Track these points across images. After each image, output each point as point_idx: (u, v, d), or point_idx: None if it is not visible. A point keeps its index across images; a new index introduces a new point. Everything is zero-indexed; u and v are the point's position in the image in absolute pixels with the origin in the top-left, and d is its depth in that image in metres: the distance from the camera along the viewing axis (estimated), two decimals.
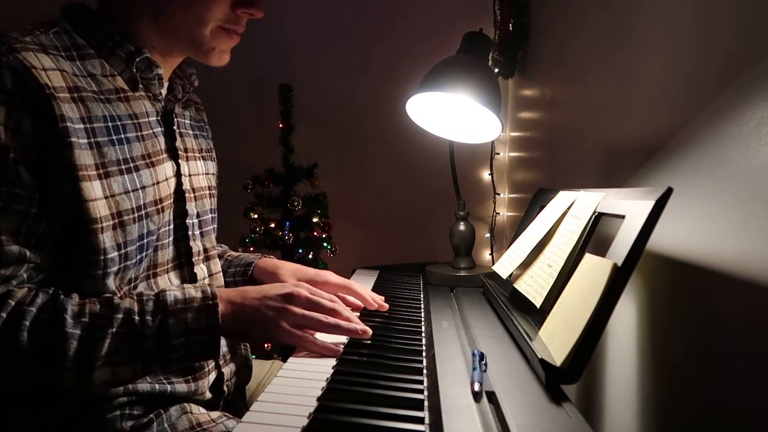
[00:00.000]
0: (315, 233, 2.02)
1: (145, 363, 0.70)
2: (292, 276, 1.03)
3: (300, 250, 1.99)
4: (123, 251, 0.74)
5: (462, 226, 1.27)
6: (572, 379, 0.57)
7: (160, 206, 0.80)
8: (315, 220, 2.02)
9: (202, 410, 0.82)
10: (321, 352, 0.79)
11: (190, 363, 0.81)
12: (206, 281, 0.91)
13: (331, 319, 0.80)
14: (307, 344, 0.79)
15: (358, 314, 0.96)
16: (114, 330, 0.68)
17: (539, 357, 0.61)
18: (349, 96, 2.20)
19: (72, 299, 0.69)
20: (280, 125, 2.01)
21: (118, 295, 0.75)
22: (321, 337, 0.82)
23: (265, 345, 1.91)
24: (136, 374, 0.70)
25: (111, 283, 0.74)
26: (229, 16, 0.82)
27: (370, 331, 0.82)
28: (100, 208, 0.71)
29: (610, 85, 1.00)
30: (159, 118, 0.85)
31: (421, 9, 2.13)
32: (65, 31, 0.76)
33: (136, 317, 0.70)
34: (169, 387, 0.78)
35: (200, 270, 0.90)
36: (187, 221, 0.87)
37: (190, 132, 0.94)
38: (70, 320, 0.66)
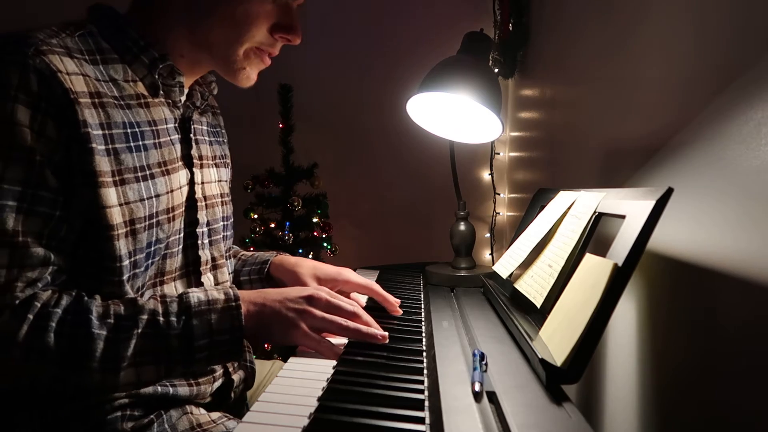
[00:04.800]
0: (315, 233, 2.02)
1: (169, 363, 0.70)
2: (311, 274, 1.01)
3: (300, 250, 1.99)
4: (133, 259, 0.74)
5: (462, 226, 1.27)
6: (572, 379, 0.57)
7: (171, 215, 0.80)
8: (315, 220, 2.02)
9: (203, 411, 0.82)
10: (336, 359, 0.78)
11: (213, 364, 0.82)
12: None
13: (350, 323, 0.79)
14: (323, 349, 0.78)
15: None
16: (139, 331, 0.68)
17: (540, 357, 0.61)
18: (349, 96, 2.20)
19: (96, 300, 0.70)
20: (280, 125, 2.01)
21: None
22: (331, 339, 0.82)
23: (266, 345, 1.91)
24: (160, 375, 0.70)
25: (128, 289, 0.74)
26: (266, 38, 0.83)
27: (387, 336, 0.81)
28: (116, 215, 0.71)
29: (611, 84, 1.00)
30: (177, 125, 0.85)
31: (422, 9, 2.13)
32: (91, 33, 0.76)
33: (161, 318, 0.70)
34: (171, 390, 0.78)
35: (207, 279, 0.89)
36: (197, 230, 0.87)
37: (206, 138, 0.94)
38: (96, 321, 0.67)
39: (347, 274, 1.02)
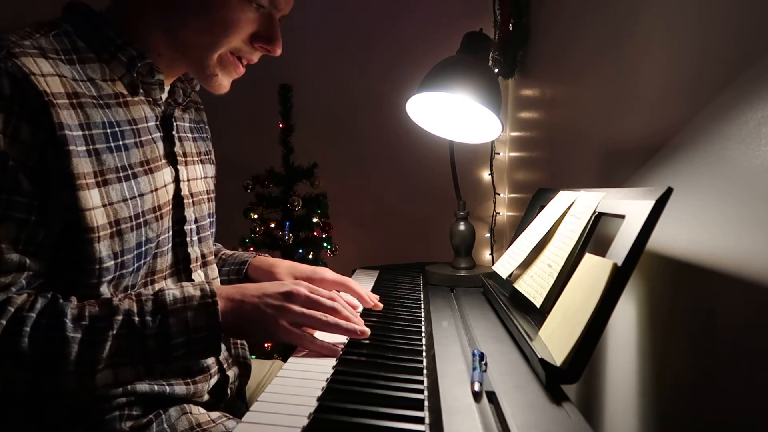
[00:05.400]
0: (315, 233, 2.02)
1: (147, 363, 0.69)
2: (288, 274, 1.03)
3: (300, 250, 1.99)
4: (119, 260, 0.74)
5: (462, 226, 1.27)
6: (572, 378, 0.57)
7: (158, 213, 0.80)
8: (315, 220, 2.02)
9: (202, 410, 0.82)
10: (319, 350, 0.79)
11: (191, 361, 0.81)
12: None
13: (330, 318, 0.80)
14: (305, 342, 0.79)
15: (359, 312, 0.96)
16: (114, 332, 0.68)
17: (539, 357, 0.61)
18: (349, 96, 2.20)
19: (71, 302, 0.69)
20: (280, 125, 2.01)
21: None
22: (320, 336, 0.82)
23: (266, 345, 1.91)
24: (139, 375, 0.70)
25: (105, 290, 0.73)
26: (244, 46, 0.81)
27: (368, 332, 0.82)
28: (98, 217, 0.71)
29: (610, 84, 1.00)
30: (158, 123, 0.84)
31: (421, 9, 2.14)
32: (66, 33, 0.75)
33: (136, 318, 0.69)
34: (168, 388, 0.78)
35: (198, 276, 0.89)
36: (185, 227, 0.86)
37: (189, 135, 0.93)
38: (70, 324, 0.66)
39: (322, 272, 1.04)
